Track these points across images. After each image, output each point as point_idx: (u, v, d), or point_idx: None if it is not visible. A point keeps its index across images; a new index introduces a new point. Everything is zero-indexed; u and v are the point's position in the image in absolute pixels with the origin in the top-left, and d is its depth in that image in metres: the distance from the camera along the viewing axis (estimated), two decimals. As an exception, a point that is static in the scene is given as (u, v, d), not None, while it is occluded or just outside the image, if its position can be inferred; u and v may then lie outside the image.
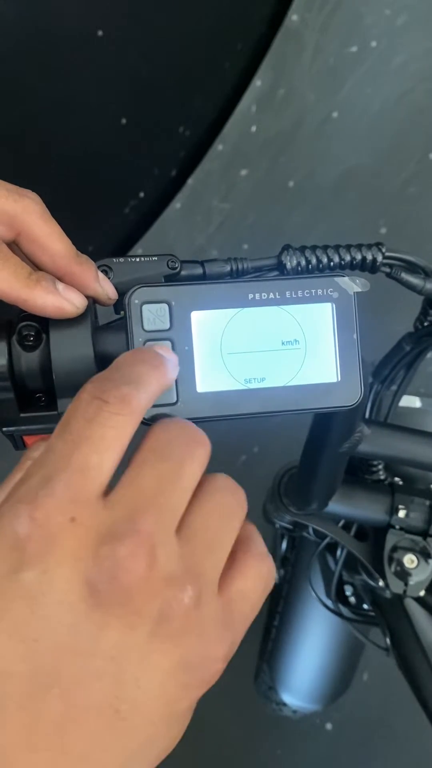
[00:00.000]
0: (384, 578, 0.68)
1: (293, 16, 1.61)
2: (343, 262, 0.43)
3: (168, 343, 0.37)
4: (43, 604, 0.25)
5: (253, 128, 1.61)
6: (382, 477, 0.70)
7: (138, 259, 0.40)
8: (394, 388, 0.63)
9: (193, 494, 0.30)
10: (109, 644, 0.26)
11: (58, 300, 0.35)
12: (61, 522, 0.26)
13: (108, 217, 1.54)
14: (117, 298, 0.39)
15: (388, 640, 0.74)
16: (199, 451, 0.30)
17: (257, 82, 1.61)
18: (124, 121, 1.43)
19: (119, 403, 0.29)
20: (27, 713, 0.24)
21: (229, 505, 0.31)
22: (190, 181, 1.59)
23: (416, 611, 0.70)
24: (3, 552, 0.26)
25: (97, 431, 0.28)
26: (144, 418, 0.36)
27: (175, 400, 0.37)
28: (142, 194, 1.56)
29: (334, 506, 0.67)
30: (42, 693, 0.25)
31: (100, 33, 1.29)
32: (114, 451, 0.28)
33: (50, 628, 0.25)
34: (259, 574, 0.30)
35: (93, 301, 0.38)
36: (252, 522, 0.33)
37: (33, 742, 0.24)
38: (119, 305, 0.39)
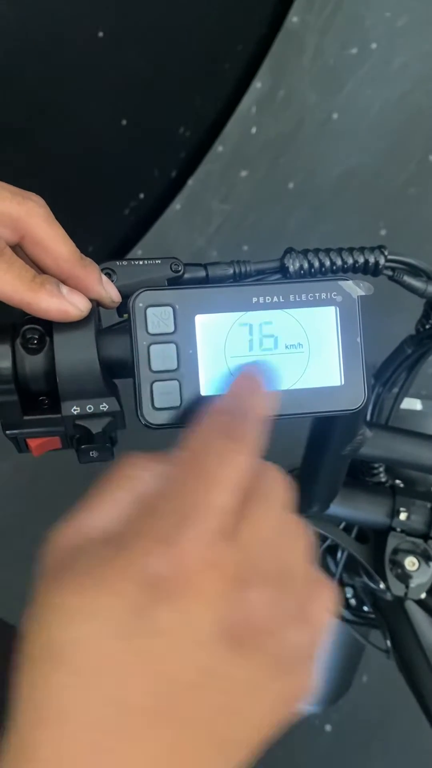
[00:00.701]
0: (385, 581, 0.68)
1: (293, 18, 1.61)
2: (345, 265, 0.43)
3: (172, 346, 0.37)
4: (177, 641, 0.26)
5: (254, 129, 1.61)
6: (383, 479, 0.70)
7: (141, 262, 0.40)
8: (395, 390, 0.63)
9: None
10: (233, 682, 0.27)
11: (62, 303, 0.35)
12: (198, 564, 0.26)
13: (108, 218, 1.54)
14: (120, 301, 0.39)
15: (388, 643, 0.74)
16: (288, 494, 0.31)
17: (257, 84, 1.61)
18: (124, 122, 1.43)
19: (246, 444, 0.30)
20: (141, 744, 0.25)
21: (303, 541, 0.32)
22: (190, 182, 1.59)
23: (417, 614, 0.70)
24: (138, 589, 0.26)
25: (227, 472, 0.28)
26: (152, 423, 0.36)
27: (179, 403, 0.37)
28: (142, 195, 1.56)
29: (335, 508, 0.67)
30: (159, 726, 0.25)
31: (100, 34, 1.29)
32: (239, 492, 0.29)
33: (180, 665, 0.26)
34: (327, 599, 0.31)
35: (96, 304, 0.38)
36: None
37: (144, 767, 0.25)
38: (123, 308, 0.39)
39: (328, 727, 1.31)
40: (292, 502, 0.31)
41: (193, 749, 0.26)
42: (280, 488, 0.31)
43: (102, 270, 0.39)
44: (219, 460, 0.29)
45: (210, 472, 0.28)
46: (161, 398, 0.36)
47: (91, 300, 0.37)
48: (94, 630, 0.25)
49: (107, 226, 1.54)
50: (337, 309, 0.38)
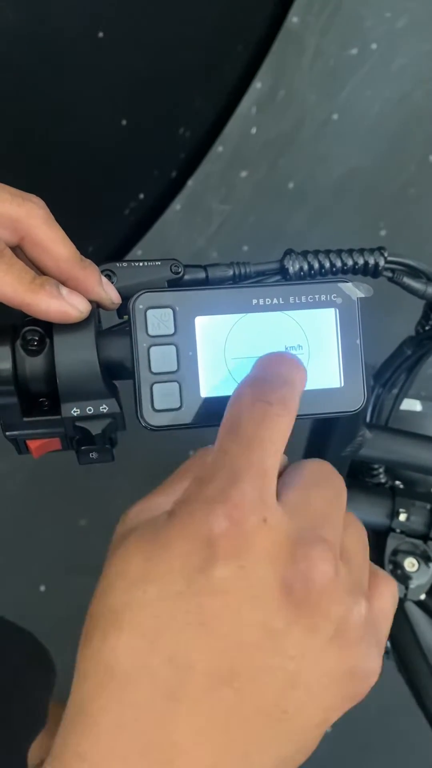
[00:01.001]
0: (384, 582, 0.68)
1: (293, 18, 1.62)
2: (345, 267, 0.43)
3: (172, 348, 0.37)
4: (237, 599, 0.26)
5: (254, 130, 1.61)
6: (383, 480, 0.70)
7: (141, 264, 0.40)
8: (395, 391, 0.63)
9: None
10: (292, 643, 0.26)
11: (62, 305, 0.35)
12: (255, 522, 0.27)
13: (107, 218, 1.54)
14: (120, 302, 0.39)
15: (388, 644, 0.74)
16: (345, 489, 0.32)
17: (257, 84, 1.61)
18: (124, 122, 1.43)
19: (281, 404, 0.30)
20: (201, 706, 0.25)
21: (364, 535, 0.33)
22: (190, 182, 1.59)
23: (417, 615, 0.70)
24: (197, 548, 0.26)
25: (268, 434, 0.29)
26: (151, 425, 0.36)
27: (179, 405, 0.37)
28: (141, 196, 1.56)
29: (335, 509, 0.67)
30: (219, 688, 0.25)
31: (100, 34, 1.29)
32: (281, 453, 0.29)
33: (240, 624, 0.26)
34: (391, 593, 0.32)
35: (96, 306, 0.38)
36: None
37: (203, 735, 0.25)
38: (122, 309, 0.39)
39: (327, 729, 1.31)
40: (345, 498, 0.31)
41: (254, 717, 0.25)
42: (336, 477, 0.32)
43: (102, 271, 0.39)
44: (258, 422, 0.29)
45: (251, 435, 0.29)
46: (161, 400, 0.36)
47: (91, 301, 0.37)
48: (155, 592, 0.26)
49: (107, 227, 1.54)
50: (337, 311, 0.38)
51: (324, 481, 0.31)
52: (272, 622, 0.26)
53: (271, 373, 0.32)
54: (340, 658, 0.27)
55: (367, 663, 0.28)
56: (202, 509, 0.27)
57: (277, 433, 0.29)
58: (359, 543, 0.31)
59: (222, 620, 0.26)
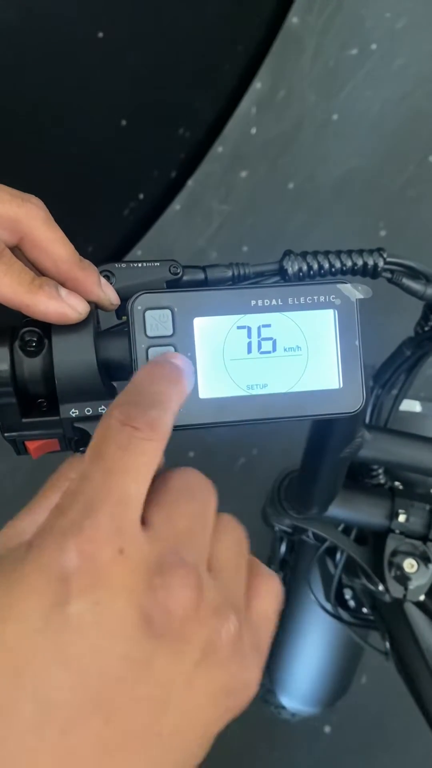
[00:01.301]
0: (384, 582, 0.68)
1: (293, 19, 1.62)
2: (344, 268, 0.43)
3: (171, 349, 0.37)
4: (95, 634, 0.25)
5: (253, 130, 1.61)
6: (382, 481, 0.70)
7: (140, 264, 0.40)
8: (394, 392, 0.63)
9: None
10: (158, 672, 0.26)
11: (61, 306, 0.35)
12: (110, 554, 0.26)
13: (107, 218, 1.54)
14: (119, 303, 0.39)
15: (387, 644, 0.74)
16: (213, 497, 0.31)
17: (257, 84, 1.61)
18: (124, 122, 1.43)
19: (149, 429, 0.29)
20: (67, 738, 0.24)
21: (240, 537, 0.32)
22: (189, 182, 1.59)
23: (416, 615, 0.70)
24: (51, 584, 0.26)
25: (132, 459, 0.28)
26: None
27: (177, 406, 0.37)
28: (141, 196, 1.56)
29: (334, 510, 0.67)
30: (85, 720, 0.25)
31: (100, 35, 1.29)
32: (147, 479, 0.28)
33: (101, 658, 0.25)
34: (271, 592, 0.31)
35: (95, 307, 0.38)
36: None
37: (72, 765, 0.24)
38: (121, 310, 0.39)
39: (327, 729, 1.31)
40: (214, 506, 0.31)
41: (127, 744, 0.25)
42: (203, 485, 0.31)
43: (101, 272, 0.39)
44: (121, 448, 0.28)
45: (113, 462, 0.28)
46: None
47: (89, 302, 0.37)
48: (11, 630, 0.25)
49: (107, 227, 1.54)
50: (336, 312, 0.38)
51: (188, 494, 0.30)
52: (134, 654, 0.25)
53: (144, 391, 0.31)
54: (210, 678, 0.27)
55: (243, 675, 0.28)
56: (55, 543, 0.26)
57: (143, 457, 0.28)
58: (231, 549, 0.31)
59: (82, 656, 0.25)
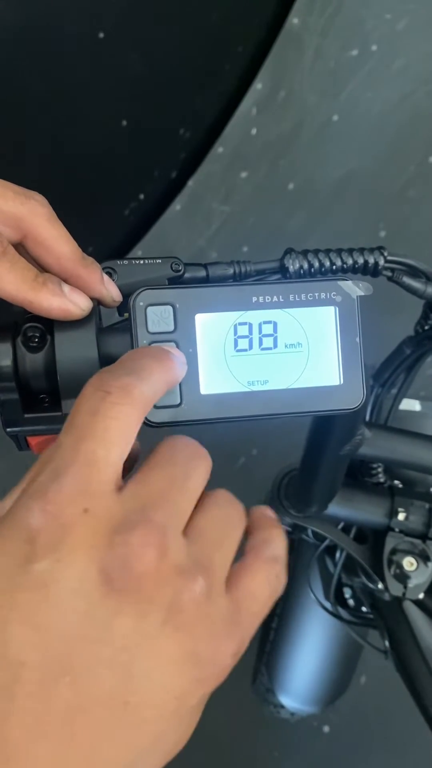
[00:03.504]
0: (383, 581, 0.68)
1: (294, 19, 1.62)
2: (345, 266, 0.43)
3: (172, 344, 0.37)
4: (56, 592, 0.26)
5: (254, 131, 1.61)
6: (382, 480, 0.70)
7: (142, 262, 0.40)
8: (394, 391, 0.63)
9: (197, 503, 0.31)
10: (121, 632, 0.26)
11: (64, 302, 0.36)
12: (74, 513, 0.27)
13: (108, 218, 1.54)
14: (121, 300, 0.39)
15: (386, 643, 0.74)
16: (203, 464, 0.31)
17: (258, 85, 1.61)
18: (124, 122, 1.43)
19: (120, 392, 0.29)
20: (37, 701, 0.25)
21: (230, 514, 0.32)
22: (190, 183, 1.59)
23: (415, 614, 0.71)
24: (16, 545, 0.26)
25: (101, 423, 0.28)
26: (151, 421, 0.36)
27: (178, 401, 0.37)
28: (142, 196, 1.56)
29: (334, 509, 0.67)
30: (53, 681, 0.25)
31: (101, 35, 1.30)
32: (119, 443, 0.29)
33: (63, 616, 0.25)
34: (266, 577, 0.31)
35: (98, 303, 0.38)
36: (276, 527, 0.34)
37: (41, 730, 0.24)
38: (123, 307, 0.40)
39: (326, 729, 1.32)
40: (201, 474, 0.31)
41: (94, 709, 0.25)
42: (189, 452, 0.31)
43: (103, 269, 0.39)
44: (90, 413, 0.28)
45: (83, 425, 0.28)
46: (161, 397, 0.37)
47: (92, 299, 0.37)
48: None
49: (107, 227, 1.54)
50: (337, 309, 0.38)
51: (169, 459, 0.30)
52: (96, 612, 0.26)
53: (125, 363, 0.31)
54: (176, 641, 0.27)
55: (214, 644, 0.28)
56: (23, 506, 0.27)
57: (114, 421, 0.28)
58: (216, 521, 0.30)
59: (45, 615, 0.25)
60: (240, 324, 0.38)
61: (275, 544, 0.33)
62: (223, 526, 0.31)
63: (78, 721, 0.25)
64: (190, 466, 0.31)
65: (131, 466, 0.33)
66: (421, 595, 0.68)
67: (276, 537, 0.33)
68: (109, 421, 0.28)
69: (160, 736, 0.27)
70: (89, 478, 0.27)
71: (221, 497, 0.32)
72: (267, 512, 0.35)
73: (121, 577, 0.26)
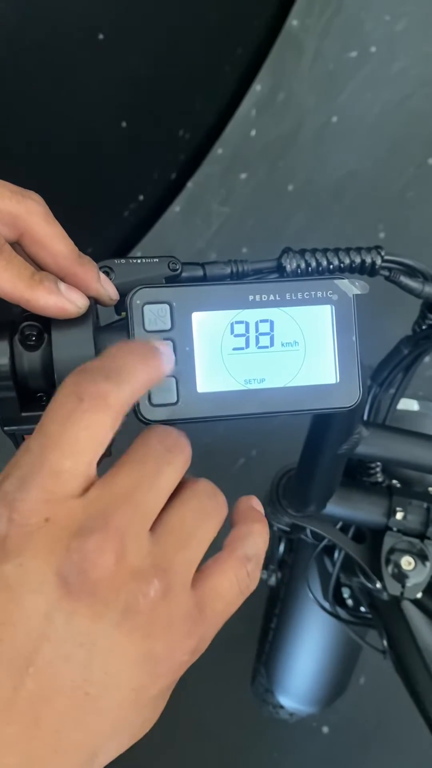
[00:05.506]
0: (381, 580, 0.68)
1: (293, 21, 1.62)
2: (342, 265, 0.43)
3: (169, 343, 0.37)
4: (20, 593, 0.27)
5: (253, 132, 1.62)
6: (380, 479, 0.70)
7: (139, 261, 0.40)
8: (392, 391, 0.63)
9: (172, 497, 0.31)
10: (78, 631, 0.27)
11: (61, 300, 0.36)
12: (37, 522, 0.28)
13: (107, 219, 1.54)
14: (118, 298, 0.39)
15: (385, 643, 0.74)
16: (178, 457, 0.31)
17: (257, 87, 1.62)
18: (124, 124, 1.44)
19: (95, 400, 0.29)
20: (3, 689, 0.26)
21: (206, 507, 0.32)
22: (189, 184, 1.59)
23: (413, 613, 0.71)
24: None
25: (71, 433, 0.29)
26: (147, 419, 0.36)
27: (175, 400, 0.37)
28: (141, 197, 1.56)
29: (332, 508, 0.67)
30: (18, 672, 0.27)
31: (101, 36, 1.30)
32: (88, 453, 0.29)
33: (25, 615, 0.27)
34: (236, 575, 0.32)
35: (94, 302, 0.38)
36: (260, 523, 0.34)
37: (8, 715, 0.26)
38: (120, 306, 0.40)
39: (325, 729, 1.32)
40: (175, 468, 0.31)
41: (57, 699, 0.27)
42: (165, 447, 0.31)
43: (100, 268, 0.39)
44: (59, 422, 0.29)
45: (51, 433, 0.29)
46: (158, 395, 0.37)
47: (89, 297, 0.37)
48: None
49: (107, 228, 1.55)
50: (333, 307, 0.38)
51: (141, 457, 0.31)
52: (54, 613, 0.27)
53: (103, 363, 0.31)
54: (132, 641, 0.28)
55: (171, 642, 0.29)
56: None
57: (84, 431, 0.29)
58: (190, 516, 0.31)
59: (11, 613, 0.27)
60: (237, 322, 0.38)
61: (253, 540, 0.33)
62: (195, 521, 0.31)
63: (42, 708, 0.27)
64: (163, 461, 0.31)
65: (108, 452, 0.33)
66: (419, 595, 0.69)
67: (256, 532, 0.33)
68: (80, 432, 0.29)
69: (121, 722, 0.28)
70: (53, 489, 0.28)
71: (200, 488, 0.32)
72: (253, 503, 0.35)
73: (77, 581, 0.27)
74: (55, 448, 0.29)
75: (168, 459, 0.31)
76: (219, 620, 0.31)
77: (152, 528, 0.30)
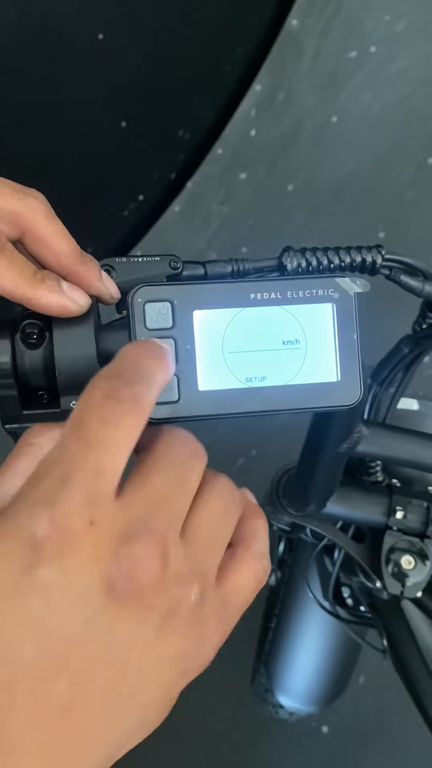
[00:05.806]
0: (381, 579, 0.68)
1: (293, 21, 1.62)
2: (342, 264, 0.43)
3: (170, 341, 0.37)
4: (61, 599, 0.27)
5: (253, 132, 1.62)
6: (380, 478, 0.70)
7: (140, 259, 0.40)
8: (392, 390, 0.63)
9: (194, 496, 0.31)
10: (120, 637, 0.27)
11: (62, 299, 0.36)
12: (80, 524, 0.27)
13: (107, 219, 1.54)
14: (120, 297, 0.39)
15: (385, 642, 0.74)
16: (200, 462, 0.32)
17: (257, 87, 1.62)
18: (123, 124, 1.44)
19: (132, 402, 0.29)
20: (36, 696, 0.26)
21: (227, 506, 0.32)
22: (189, 184, 1.60)
23: (413, 613, 0.71)
24: (21, 550, 0.27)
25: (111, 433, 0.29)
26: (150, 418, 0.36)
27: (176, 398, 0.37)
28: (141, 197, 1.56)
29: (332, 507, 0.67)
30: (51, 678, 0.26)
31: (100, 36, 1.30)
32: (126, 452, 0.29)
33: (65, 621, 0.27)
34: (253, 573, 0.32)
35: (96, 300, 0.39)
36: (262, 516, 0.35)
37: (40, 722, 0.26)
38: (122, 305, 0.40)
39: (325, 729, 1.32)
40: (198, 472, 0.31)
41: (90, 702, 0.27)
42: (187, 449, 0.32)
43: (102, 267, 0.39)
44: (101, 421, 0.29)
45: (93, 433, 0.28)
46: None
47: (90, 296, 0.37)
48: None
49: (106, 228, 1.55)
50: (334, 306, 0.39)
51: (170, 461, 0.31)
52: (98, 619, 0.27)
53: (130, 366, 0.31)
54: (169, 644, 0.28)
55: (202, 641, 0.30)
56: (30, 511, 0.27)
57: (123, 431, 0.29)
58: (214, 518, 0.31)
59: (48, 619, 0.26)
60: (238, 320, 0.38)
61: (261, 535, 0.34)
62: (220, 521, 0.32)
63: (74, 712, 0.26)
64: (189, 466, 0.31)
65: None
66: (419, 594, 0.69)
67: (262, 528, 0.34)
68: (119, 431, 0.29)
69: (146, 719, 0.29)
70: (96, 488, 0.28)
71: (222, 487, 0.33)
72: (249, 497, 0.36)
73: (125, 588, 0.27)
74: (97, 447, 0.28)
75: (192, 464, 0.31)
76: (238, 615, 0.32)
77: (181, 531, 0.30)
